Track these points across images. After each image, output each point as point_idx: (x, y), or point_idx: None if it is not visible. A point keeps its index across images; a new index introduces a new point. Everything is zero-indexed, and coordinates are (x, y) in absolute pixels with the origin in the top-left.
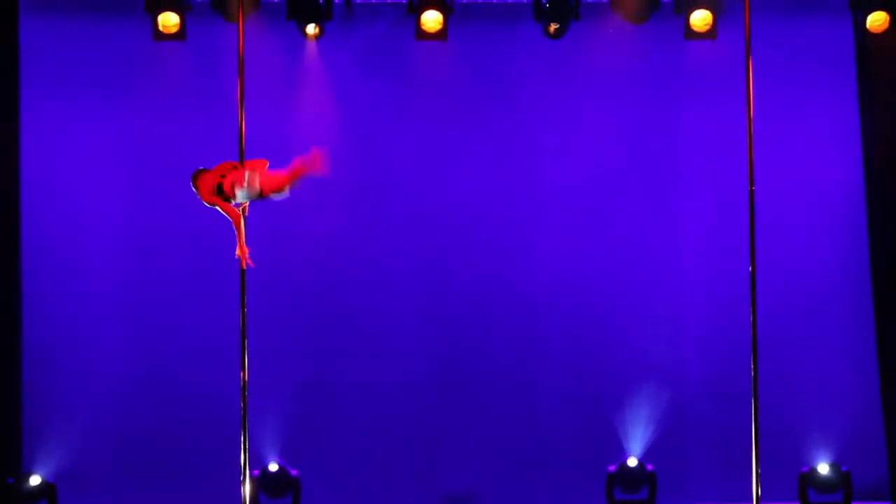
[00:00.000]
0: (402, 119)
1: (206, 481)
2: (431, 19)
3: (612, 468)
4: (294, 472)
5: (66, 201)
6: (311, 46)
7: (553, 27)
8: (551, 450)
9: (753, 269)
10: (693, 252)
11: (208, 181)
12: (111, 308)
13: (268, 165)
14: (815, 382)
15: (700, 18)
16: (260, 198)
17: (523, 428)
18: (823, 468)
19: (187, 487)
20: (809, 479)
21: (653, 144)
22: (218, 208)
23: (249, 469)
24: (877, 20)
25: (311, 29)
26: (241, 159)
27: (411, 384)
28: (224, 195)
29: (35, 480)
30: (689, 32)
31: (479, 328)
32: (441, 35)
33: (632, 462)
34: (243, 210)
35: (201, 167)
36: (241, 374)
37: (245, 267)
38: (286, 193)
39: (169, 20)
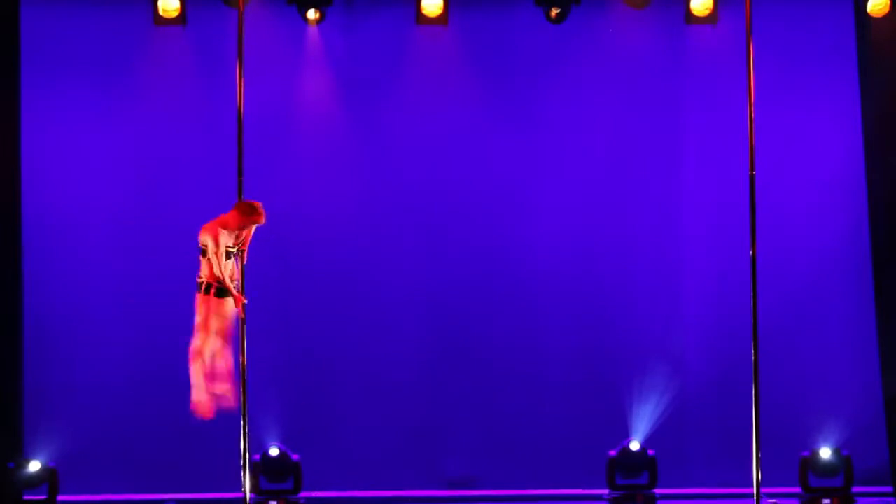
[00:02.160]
0: (402, 103)
1: (207, 465)
2: (432, 3)
3: (613, 452)
4: (295, 457)
5: (66, 186)
6: (312, 31)
7: (554, 11)
8: (552, 434)
9: (754, 253)
10: (694, 237)
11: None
12: (111, 292)
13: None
14: (815, 368)
15: (701, 3)
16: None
17: (524, 412)
18: (825, 452)
19: (188, 471)
20: (810, 463)
21: (653, 129)
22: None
23: (250, 454)
24: (878, 5)
25: (312, 13)
26: (240, 145)
27: (413, 368)
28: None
29: (35, 465)
30: (690, 17)
31: (479, 313)
32: (441, 19)
33: (634, 446)
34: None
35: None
36: (241, 358)
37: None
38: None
39: (169, 4)
